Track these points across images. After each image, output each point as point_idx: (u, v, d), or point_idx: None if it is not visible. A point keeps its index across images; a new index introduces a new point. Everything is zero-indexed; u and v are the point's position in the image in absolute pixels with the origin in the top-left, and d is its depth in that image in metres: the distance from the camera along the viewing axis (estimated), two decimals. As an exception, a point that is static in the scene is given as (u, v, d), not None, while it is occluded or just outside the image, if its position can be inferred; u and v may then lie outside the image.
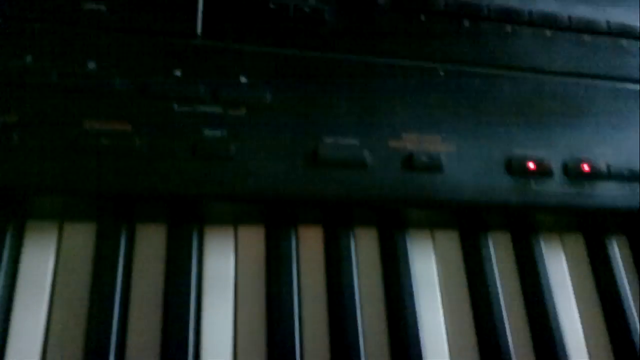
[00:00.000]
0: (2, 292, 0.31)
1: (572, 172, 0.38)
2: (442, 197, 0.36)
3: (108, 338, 0.31)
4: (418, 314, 0.36)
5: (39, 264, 0.32)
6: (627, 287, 0.40)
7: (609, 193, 0.38)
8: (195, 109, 0.33)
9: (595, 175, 0.38)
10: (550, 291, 0.38)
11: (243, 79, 0.34)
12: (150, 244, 0.34)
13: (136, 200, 0.32)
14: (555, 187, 0.38)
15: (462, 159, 0.37)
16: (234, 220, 0.36)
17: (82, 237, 0.33)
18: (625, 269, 0.41)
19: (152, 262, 0.34)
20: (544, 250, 0.40)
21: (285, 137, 0.34)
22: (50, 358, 0.31)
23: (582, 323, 0.39)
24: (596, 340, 0.38)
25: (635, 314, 0.39)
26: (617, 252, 0.41)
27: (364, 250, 0.37)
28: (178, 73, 0.33)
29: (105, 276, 0.32)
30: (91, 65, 0.32)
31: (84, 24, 0.33)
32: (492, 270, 0.38)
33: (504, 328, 0.36)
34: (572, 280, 0.40)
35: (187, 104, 0.33)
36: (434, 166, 0.36)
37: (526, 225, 0.40)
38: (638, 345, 0.38)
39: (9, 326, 0.31)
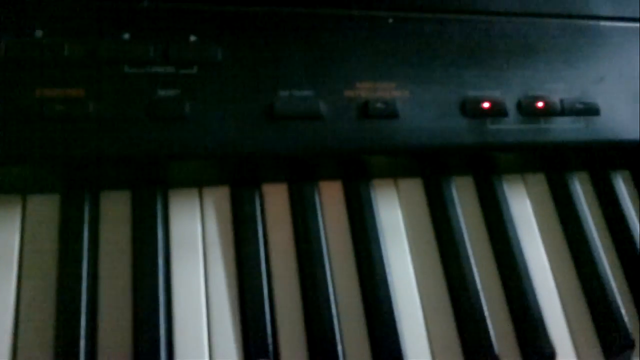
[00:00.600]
0: (-32, 266, 0.31)
1: (526, 110, 0.39)
2: (399, 142, 0.36)
3: (78, 306, 0.31)
4: (386, 261, 0.36)
5: (5, 238, 0.33)
6: (591, 222, 0.41)
7: (565, 128, 0.39)
8: (147, 70, 0.33)
9: (550, 111, 0.39)
10: (514, 230, 0.39)
11: (193, 38, 0.34)
12: (116, 211, 0.35)
13: (95, 166, 0.32)
14: (511, 126, 0.38)
15: (417, 103, 0.37)
16: (198, 182, 0.36)
17: (46, 208, 0.34)
18: (588, 205, 0.42)
19: (118, 228, 0.34)
20: (507, 191, 0.41)
21: (240, 93, 0.34)
22: (22, 328, 0.31)
23: (549, 261, 0.39)
24: (563, 275, 0.39)
25: (600, 249, 0.40)
26: (579, 189, 0.42)
27: (329, 203, 0.38)
28: (127, 36, 0.33)
29: (72, 245, 0.33)
30: (38, 33, 0.32)
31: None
32: (456, 214, 0.39)
33: (472, 270, 0.37)
34: (536, 219, 0.41)
35: (138, 66, 0.33)
36: (389, 113, 0.36)
37: (487, 167, 0.41)
38: (604, 276, 0.39)
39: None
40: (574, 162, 0.42)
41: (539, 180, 0.42)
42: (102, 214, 0.34)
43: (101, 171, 0.33)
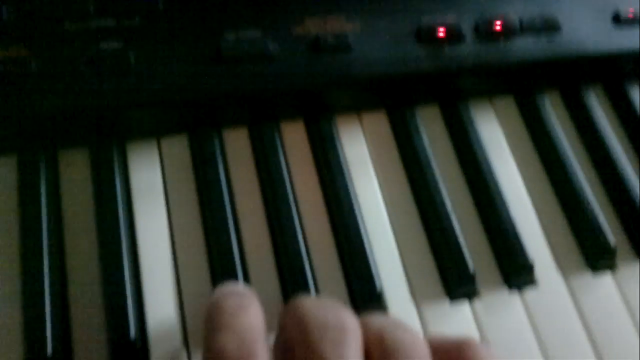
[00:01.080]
0: None
1: (484, 32, 0.38)
2: (354, 74, 0.36)
3: (41, 265, 0.31)
4: (353, 194, 0.36)
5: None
6: (564, 138, 0.40)
7: (525, 46, 0.38)
8: (88, 24, 0.33)
9: (508, 31, 0.38)
10: (483, 153, 0.38)
11: (132, -12, 0.34)
12: (75, 168, 0.35)
13: (45, 124, 0.33)
14: (469, 49, 0.38)
15: (369, 35, 0.37)
16: (155, 132, 0.36)
17: (4, 170, 0.34)
18: (560, 123, 0.41)
19: (79, 186, 0.34)
20: (475, 116, 0.40)
21: (185, 39, 0.34)
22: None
23: (524, 179, 0.39)
24: (539, 192, 0.38)
25: (574, 162, 0.39)
26: (550, 107, 0.41)
27: (292, 142, 0.38)
28: (65, -8, 0.33)
29: (32, 207, 0.33)
30: (-24, -1, 0.32)
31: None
32: (422, 142, 0.38)
33: (442, 195, 0.36)
34: (507, 141, 0.40)
35: (78, 21, 0.33)
36: (341, 46, 0.36)
37: (452, 93, 0.40)
38: (580, 187, 0.38)
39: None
40: (541, 80, 0.41)
41: (507, 103, 0.41)
42: (61, 172, 0.34)
43: (53, 129, 0.33)
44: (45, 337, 0.29)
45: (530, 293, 0.35)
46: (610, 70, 0.42)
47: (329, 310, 0.27)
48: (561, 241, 0.37)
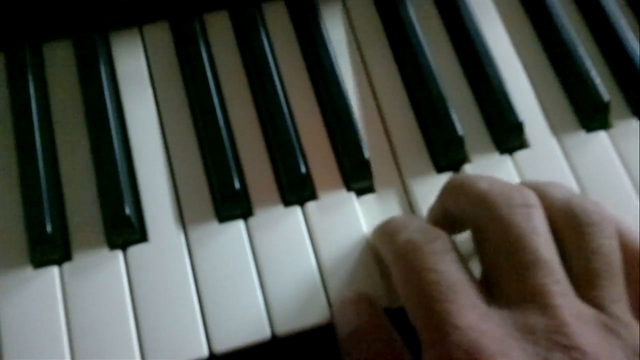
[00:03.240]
0: None
1: None
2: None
3: (35, 155, 0.32)
4: (339, 71, 0.36)
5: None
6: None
7: None
8: None
9: None
10: (473, 21, 0.37)
11: None
12: (60, 61, 0.35)
13: (30, 14, 0.33)
14: None
15: None
16: (137, 20, 0.36)
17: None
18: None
19: (65, 78, 0.35)
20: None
21: None
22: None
23: (513, 44, 0.38)
24: (529, 53, 0.37)
25: (567, 23, 0.38)
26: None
27: (274, 23, 0.37)
28: None
29: (22, 100, 0.33)
30: None
31: None
32: (411, 19, 0.37)
33: (429, 64, 0.36)
34: (496, 7, 0.39)
35: None
36: None
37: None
38: (573, 46, 0.37)
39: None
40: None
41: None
42: (47, 65, 0.35)
43: (37, 20, 0.33)
44: (44, 218, 0.31)
45: (522, 154, 0.35)
46: None
47: (507, 186, 0.28)
48: (553, 100, 0.36)
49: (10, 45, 0.34)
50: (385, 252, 0.29)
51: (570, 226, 0.27)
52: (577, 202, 0.27)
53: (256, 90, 0.35)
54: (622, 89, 0.37)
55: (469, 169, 0.34)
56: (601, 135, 0.35)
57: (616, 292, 0.25)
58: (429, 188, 0.33)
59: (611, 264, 0.26)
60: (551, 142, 0.35)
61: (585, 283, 0.25)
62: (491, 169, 0.34)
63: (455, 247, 0.27)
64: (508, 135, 0.34)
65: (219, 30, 0.37)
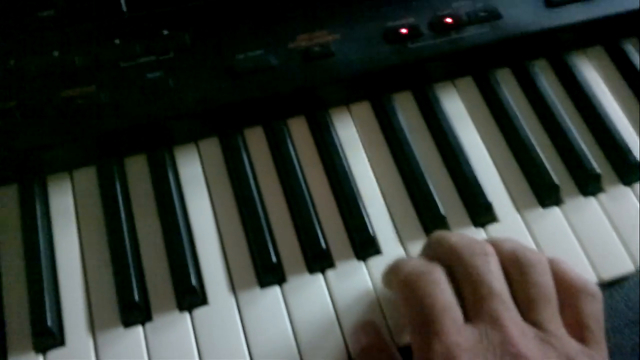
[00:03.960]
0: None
1: (437, 27, 0.48)
2: (338, 74, 0.46)
3: (124, 248, 0.43)
4: (349, 170, 0.46)
5: None
6: (515, 107, 0.50)
7: (472, 34, 0.48)
8: (137, 61, 0.45)
9: (458, 24, 0.48)
10: (449, 124, 0.48)
11: (165, 32, 0.46)
12: (138, 172, 0.46)
13: (115, 138, 0.45)
14: (427, 42, 0.48)
15: (347, 41, 0.47)
16: (194, 136, 0.47)
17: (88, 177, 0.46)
18: (512, 94, 0.51)
19: (141, 186, 0.46)
20: (440, 96, 0.50)
21: (207, 64, 0.46)
22: None
23: (484, 142, 0.48)
24: (497, 151, 0.48)
25: (525, 126, 0.49)
26: (503, 82, 0.51)
27: (298, 134, 0.49)
28: (117, 41, 0.45)
29: (111, 205, 0.45)
30: (55, 53, 0.45)
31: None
32: (400, 123, 0.48)
33: (418, 163, 0.47)
34: (470, 114, 0.50)
35: (130, 60, 0.45)
36: (326, 53, 0.47)
37: (420, 80, 0.50)
38: (529, 144, 0.47)
39: None
40: (492, 60, 0.51)
41: (467, 82, 0.51)
42: (128, 176, 0.46)
43: (120, 141, 0.45)
44: (132, 289, 0.41)
45: (492, 227, 0.45)
46: (548, 46, 0.51)
47: (470, 240, 0.37)
48: (516, 184, 0.46)
49: (100, 160, 0.46)
50: (393, 283, 0.38)
51: (515, 267, 0.36)
52: (520, 250, 0.37)
53: (285, 185, 0.46)
54: (570, 173, 0.47)
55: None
56: (555, 210, 0.45)
57: (551, 314, 0.34)
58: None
59: (546, 294, 0.35)
60: (516, 217, 0.45)
61: (527, 308, 0.35)
62: (470, 239, 0.44)
63: (446, 278, 0.36)
64: (480, 213, 0.45)
65: (256, 141, 0.48)
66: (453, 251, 0.37)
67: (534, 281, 0.35)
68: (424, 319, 0.34)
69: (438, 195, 0.45)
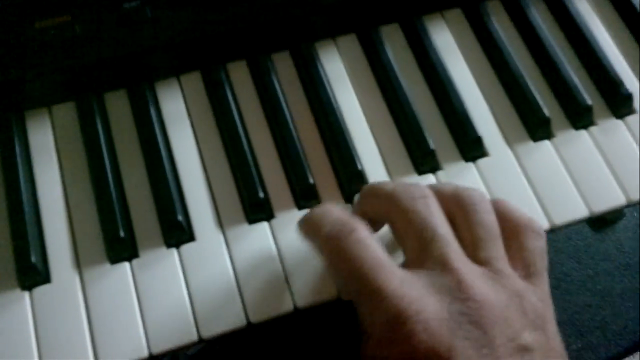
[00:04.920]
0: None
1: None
2: None
3: (108, 184, 0.42)
4: (336, 105, 0.45)
5: None
6: (504, 38, 0.48)
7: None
8: (113, -9, 0.43)
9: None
10: (438, 57, 0.47)
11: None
12: (119, 108, 0.45)
13: (93, 71, 0.43)
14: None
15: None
16: (175, 72, 0.46)
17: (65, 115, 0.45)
18: (504, 32, 0.50)
19: (124, 121, 0.45)
20: (430, 30, 0.49)
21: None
22: None
23: (475, 79, 0.47)
24: (488, 84, 0.47)
25: (515, 57, 0.48)
26: (494, 18, 0.49)
27: (283, 68, 0.47)
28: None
29: (93, 142, 0.43)
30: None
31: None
32: (388, 56, 0.47)
33: (406, 96, 0.46)
34: (459, 47, 0.49)
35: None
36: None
37: (408, 13, 0.49)
38: (519, 76, 0.46)
39: None
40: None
41: (456, 14, 0.50)
42: (108, 111, 0.45)
43: (98, 75, 0.44)
44: (117, 225, 0.40)
45: (483, 161, 0.44)
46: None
47: (408, 185, 0.36)
48: (506, 118, 0.46)
49: (79, 96, 0.44)
50: (313, 244, 0.36)
51: (458, 207, 0.35)
52: (462, 190, 0.36)
53: (271, 121, 0.45)
54: (562, 106, 0.46)
55: (441, 175, 0.44)
56: (546, 144, 0.45)
57: (496, 251, 0.34)
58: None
59: (491, 232, 0.34)
60: (506, 151, 0.45)
61: (473, 248, 0.34)
62: (460, 174, 0.44)
63: (370, 233, 0.33)
64: (470, 147, 0.44)
65: (239, 76, 0.47)
66: (391, 198, 0.35)
67: (478, 220, 0.34)
68: (361, 281, 0.32)
69: (427, 130, 0.44)
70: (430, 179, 0.43)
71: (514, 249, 0.35)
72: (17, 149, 0.42)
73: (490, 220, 0.35)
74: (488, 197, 0.36)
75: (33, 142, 0.43)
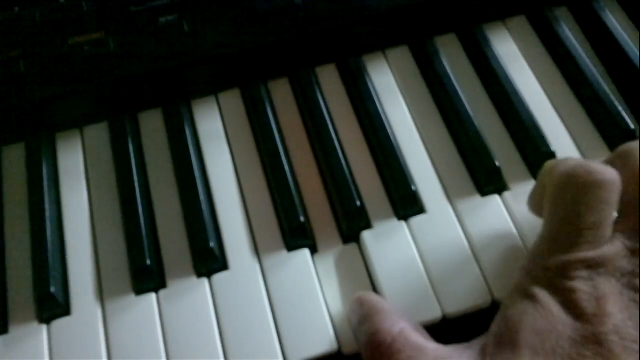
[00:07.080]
0: None
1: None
2: (372, 10, 0.41)
3: (137, 210, 0.39)
4: (385, 119, 0.41)
5: None
6: (578, 47, 0.43)
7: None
8: (148, 5, 0.41)
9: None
10: (502, 68, 0.42)
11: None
12: (152, 126, 0.42)
13: (126, 87, 0.41)
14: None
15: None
16: (213, 90, 0.43)
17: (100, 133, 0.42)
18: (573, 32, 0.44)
19: (157, 139, 0.42)
20: (490, 37, 0.44)
21: (225, 3, 0.41)
22: None
23: (541, 84, 0.42)
24: (556, 91, 0.42)
25: (589, 64, 0.42)
26: (564, 24, 0.45)
27: (327, 83, 0.44)
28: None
29: (122, 160, 0.41)
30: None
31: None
32: (444, 67, 0.43)
33: (466, 108, 0.41)
34: (523, 55, 0.44)
35: (140, 4, 0.41)
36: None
37: (469, 20, 0.44)
38: (596, 82, 0.41)
39: None
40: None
41: (520, 21, 0.45)
42: (142, 130, 0.42)
43: (132, 91, 0.41)
44: (144, 253, 0.37)
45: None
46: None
47: None
48: (581, 130, 0.40)
49: (113, 116, 0.42)
50: (547, 181, 0.32)
51: None
52: None
53: (314, 139, 0.41)
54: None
55: (508, 195, 0.38)
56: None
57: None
58: (473, 208, 0.38)
59: None
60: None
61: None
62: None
63: (620, 186, 0.30)
64: (542, 163, 0.38)
65: (281, 92, 0.43)
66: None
67: None
68: (569, 230, 0.30)
69: (491, 145, 0.39)
70: (495, 200, 0.38)
71: None
72: (45, 172, 0.39)
73: None
74: None
75: (62, 164, 0.41)
